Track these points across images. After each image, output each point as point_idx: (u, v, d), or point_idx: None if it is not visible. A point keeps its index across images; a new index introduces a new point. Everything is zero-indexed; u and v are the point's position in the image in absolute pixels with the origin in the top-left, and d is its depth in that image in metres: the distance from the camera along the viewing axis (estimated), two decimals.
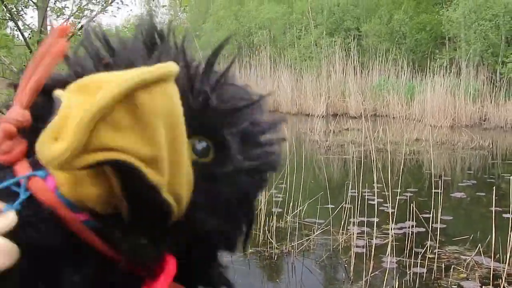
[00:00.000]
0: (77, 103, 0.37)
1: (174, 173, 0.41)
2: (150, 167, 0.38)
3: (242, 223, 0.53)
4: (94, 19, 4.42)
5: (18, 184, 0.42)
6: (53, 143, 0.37)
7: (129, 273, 0.44)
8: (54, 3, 4.47)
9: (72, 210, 0.42)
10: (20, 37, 4.40)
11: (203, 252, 0.50)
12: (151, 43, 0.49)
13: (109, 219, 0.43)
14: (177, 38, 0.50)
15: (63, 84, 0.43)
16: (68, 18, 4.46)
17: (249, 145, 0.50)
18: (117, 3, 4.53)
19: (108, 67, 0.45)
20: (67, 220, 0.42)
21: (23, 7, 4.84)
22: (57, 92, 0.41)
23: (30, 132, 0.44)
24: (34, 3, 4.47)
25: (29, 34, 4.42)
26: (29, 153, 0.44)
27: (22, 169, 0.43)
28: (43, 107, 0.45)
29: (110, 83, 0.37)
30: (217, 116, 0.47)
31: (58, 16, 4.43)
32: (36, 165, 0.43)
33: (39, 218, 0.42)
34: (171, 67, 0.39)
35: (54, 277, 0.43)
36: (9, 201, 0.41)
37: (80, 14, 4.38)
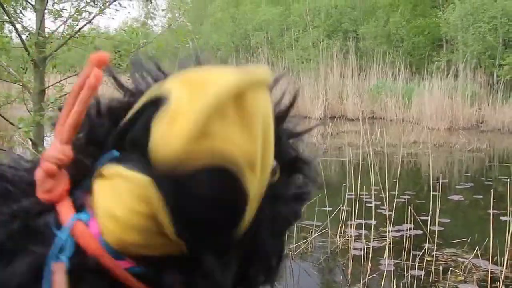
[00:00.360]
0: (188, 95, 0.39)
1: (263, 172, 0.42)
2: (249, 166, 0.40)
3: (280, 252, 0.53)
4: (92, 21, 4.42)
5: (57, 223, 0.42)
6: (170, 128, 0.38)
7: None
8: (52, 5, 4.46)
9: (116, 258, 0.42)
10: (18, 39, 4.40)
11: (256, 274, 0.50)
12: None
13: (157, 263, 0.43)
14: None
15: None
16: (66, 21, 4.45)
17: (297, 174, 0.53)
18: (115, 5, 4.53)
19: None
20: (111, 268, 0.42)
21: (21, 9, 4.83)
22: (164, 86, 0.42)
23: (74, 166, 0.44)
24: (32, 5, 4.46)
25: (27, 37, 4.41)
26: (72, 189, 0.44)
27: (65, 210, 0.42)
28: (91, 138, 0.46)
29: (221, 79, 0.39)
30: (287, 143, 0.51)
31: (56, 19, 4.42)
32: (79, 203, 0.43)
33: (86, 269, 0.41)
34: (268, 74, 0.42)
35: None
36: (50, 244, 0.40)
37: (78, 17, 4.38)
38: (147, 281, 0.43)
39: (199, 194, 0.40)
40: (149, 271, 0.43)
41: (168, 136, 0.38)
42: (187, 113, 0.38)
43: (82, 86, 0.45)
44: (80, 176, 0.44)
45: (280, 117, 0.53)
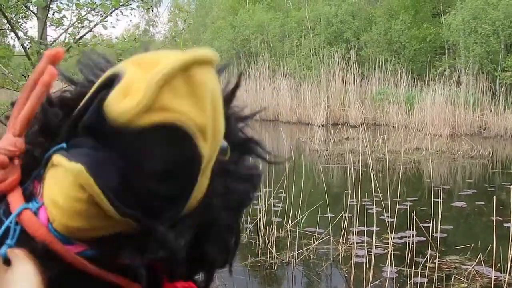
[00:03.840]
0: (139, 71, 0.42)
1: (213, 140, 0.44)
2: (201, 134, 0.42)
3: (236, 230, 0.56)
4: (93, 30, 4.43)
5: (8, 212, 0.43)
6: (122, 100, 0.40)
7: None
8: (53, 14, 4.47)
9: (65, 243, 0.44)
10: (20, 47, 4.42)
11: (211, 248, 0.52)
12: None
13: (110, 242, 0.44)
14: None
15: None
16: (67, 29, 4.47)
17: (247, 154, 0.56)
18: (117, 14, 4.54)
19: None
20: (62, 254, 0.43)
21: (23, 17, 4.85)
22: (117, 67, 0.44)
23: (26, 157, 0.45)
24: (34, 13, 4.48)
25: (28, 44, 4.42)
26: (23, 180, 0.46)
27: (15, 200, 0.44)
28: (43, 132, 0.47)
29: (169, 57, 0.42)
30: (235, 125, 0.53)
31: (57, 27, 4.44)
32: (29, 194, 0.45)
33: (36, 255, 0.43)
34: (215, 55, 0.44)
35: None
36: None
37: (80, 25, 4.39)
38: (101, 262, 0.44)
39: (152, 154, 0.41)
40: (102, 252, 0.44)
41: (122, 106, 0.40)
42: (138, 85, 0.40)
43: (36, 81, 0.46)
44: (33, 167, 0.45)
45: (227, 99, 0.55)
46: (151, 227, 0.44)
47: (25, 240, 0.43)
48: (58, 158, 0.43)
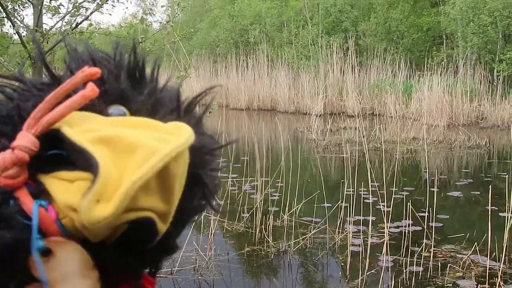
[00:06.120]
0: (113, 165, 0.42)
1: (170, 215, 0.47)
2: (162, 220, 0.45)
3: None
4: (89, 17, 4.40)
5: (19, 208, 0.45)
6: (96, 205, 0.42)
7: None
8: (49, 2, 4.44)
9: (69, 238, 0.46)
10: (16, 35, 4.39)
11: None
12: (135, 76, 0.54)
13: (98, 246, 0.47)
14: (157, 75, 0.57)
15: None
16: (64, 17, 4.44)
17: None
18: (113, 1, 4.50)
19: (101, 96, 0.50)
20: None
21: (19, 5, 4.81)
22: (81, 141, 0.44)
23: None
24: (29, 1, 4.44)
25: (24, 32, 4.39)
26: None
27: (24, 197, 0.45)
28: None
29: (145, 149, 0.42)
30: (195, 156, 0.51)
31: (53, 15, 4.41)
32: (32, 191, 0.46)
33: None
34: (192, 137, 0.45)
35: None
36: (10, 226, 0.44)
37: (76, 13, 4.36)
38: (92, 254, 0.47)
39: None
40: (95, 251, 0.47)
41: (96, 214, 0.42)
42: (113, 187, 0.41)
43: (69, 90, 0.48)
44: (32, 166, 0.47)
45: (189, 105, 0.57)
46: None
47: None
48: (78, 174, 0.45)
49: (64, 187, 0.45)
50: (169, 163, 0.42)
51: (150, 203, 0.43)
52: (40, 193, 0.46)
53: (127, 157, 0.43)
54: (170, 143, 0.43)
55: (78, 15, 4.35)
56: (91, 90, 0.47)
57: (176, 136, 0.45)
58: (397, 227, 5.32)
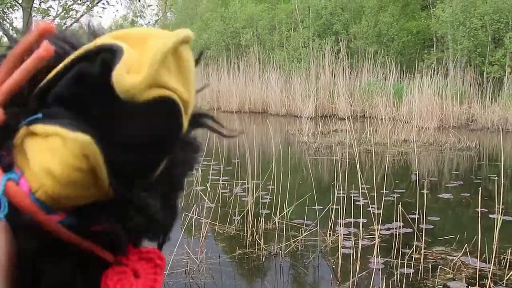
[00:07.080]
0: (132, 49, 0.44)
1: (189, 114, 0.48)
2: (184, 109, 0.46)
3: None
4: (79, 20, 4.38)
5: None
6: (127, 76, 0.42)
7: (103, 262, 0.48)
8: (39, 4, 4.42)
9: (47, 212, 0.43)
10: (5, 38, 4.36)
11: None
12: None
13: (86, 211, 0.45)
14: None
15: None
16: (54, 19, 4.42)
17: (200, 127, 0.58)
18: (103, 3, 4.50)
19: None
20: (44, 223, 0.44)
21: (9, 8, 4.79)
22: (104, 39, 0.45)
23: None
24: (19, 3, 4.42)
25: (13, 34, 4.37)
26: None
27: None
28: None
29: (157, 35, 0.45)
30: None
31: (43, 17, 4.39)
32: (5, 165, 0.44)
33: (21, 226, 0.43)
34: (190, 33, 0.46)
35: (37, 273, 0.45)
36: None
37: (66, 15, 4.35)
38: (77, 229, 0.45)
39: (147, 125, 0.44)
40: (80, 220, 0.45)
41: (129, 81, 0.42)
42: (139, 62, 0.42)
43: (24, 53, 0.46)
44: (4, 137, 0.45)
45: None
46: (132, 195, 0.46)
47: (9, 212, 0.43)
48: (53, 128, 0.43)
49: (38, 146, 0.43)
50: (179, 46, 0.44)
51: (172, 83, 0.44)
52: (12, 165, 0.44)
53: (142, 45, 0.44)
54: (177, 33, 0.45)
55: (68, 17, 4.34)
56: (45, 49, 0.45)
57: (178, 32, 0.46)
58: (388, 229, 5.34)
